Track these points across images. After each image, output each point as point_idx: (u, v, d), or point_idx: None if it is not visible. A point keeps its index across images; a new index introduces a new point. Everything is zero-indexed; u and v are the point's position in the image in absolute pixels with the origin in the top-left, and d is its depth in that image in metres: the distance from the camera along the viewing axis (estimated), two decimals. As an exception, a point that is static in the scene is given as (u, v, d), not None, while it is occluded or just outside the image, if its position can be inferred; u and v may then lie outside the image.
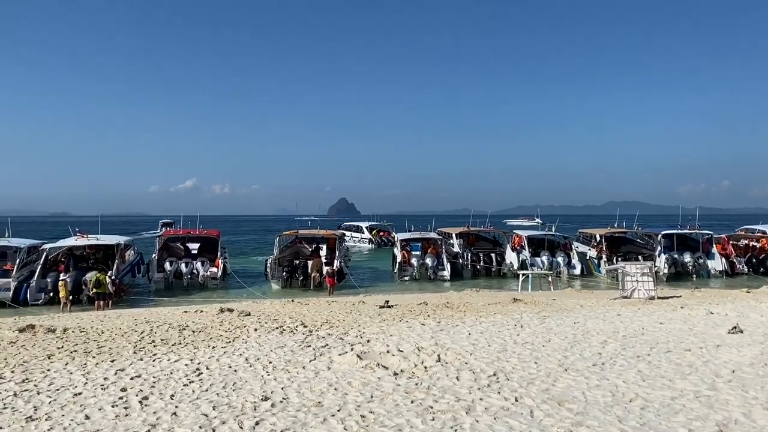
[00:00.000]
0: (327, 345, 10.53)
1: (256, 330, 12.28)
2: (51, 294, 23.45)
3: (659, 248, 31.22)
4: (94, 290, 22.78)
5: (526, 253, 32.03)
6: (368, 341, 10.80)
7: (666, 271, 29.73)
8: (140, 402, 7.26)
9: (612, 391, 7.47)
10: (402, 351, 9.73)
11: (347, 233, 62.54)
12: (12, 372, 8.96)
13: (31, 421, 6.60)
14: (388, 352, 9.66)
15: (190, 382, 8.21)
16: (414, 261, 31.00)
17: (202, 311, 16.16)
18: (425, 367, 8.80)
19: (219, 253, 30.62)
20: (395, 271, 31.27)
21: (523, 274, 25.30)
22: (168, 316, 15.46)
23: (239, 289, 27.36)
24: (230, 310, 15.69)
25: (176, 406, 7.07)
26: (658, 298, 17.86)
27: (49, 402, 7.35)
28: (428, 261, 30.90)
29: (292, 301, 18.74)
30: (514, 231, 38.03)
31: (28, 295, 23.32)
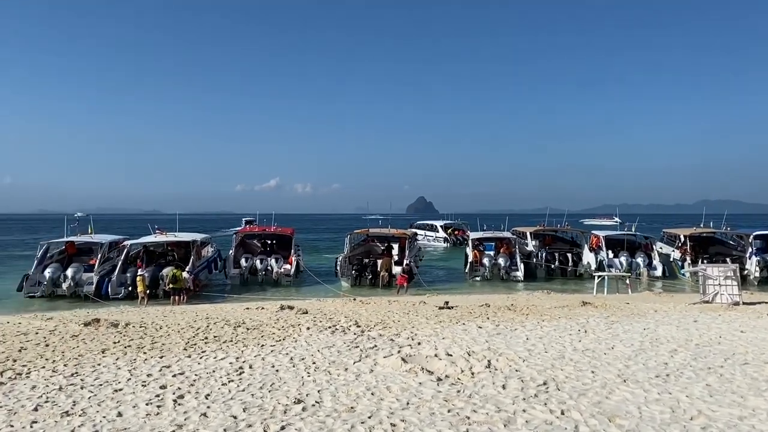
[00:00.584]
0: (375, 346, 10.23)
1: (308, 329, 12.15)
2: (130, 288, 24.34)
3: (751, 250, 29.07)
4: (170, 285, 23.55)
5: (603, 254, 30.63)
6: (419, 343, 10.43)
7: (757, 274, 27.62)
8: (174, 401, 7.20)
9: (672, 407, 6.77)
10: (451, 355, 9.30)
11: (421, 232, 62.22)
12: (65, 365, 9.18)
13: (65, 416, 6.65)
14: (435, 355, 9.25)
15: (229, 381, 8.12)
16: (486, 261, 30.29)
17: (263, 308, 16.25)
18: (472, 373, 8.34)
19: (292, 251, 31.01)
20: (466, 270, 30.64)
21: (599, 276, 24.12)
22: (230, 312, 15.63)
23: (311, 286, 27.66)
24: (290, 308, 15.69)
25: (208, 407, 6.96)
26: (744, 303, 16.50)
27: (89, 397, 7.42)
28: (501, 261, 30.12)
29: (354, 299, 18.60)
30: (593, 231, 36.50)
31: (109, 289, 24.31)
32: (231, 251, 30.93)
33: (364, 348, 10.11)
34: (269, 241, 33.84)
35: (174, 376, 8.45)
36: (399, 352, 9.65)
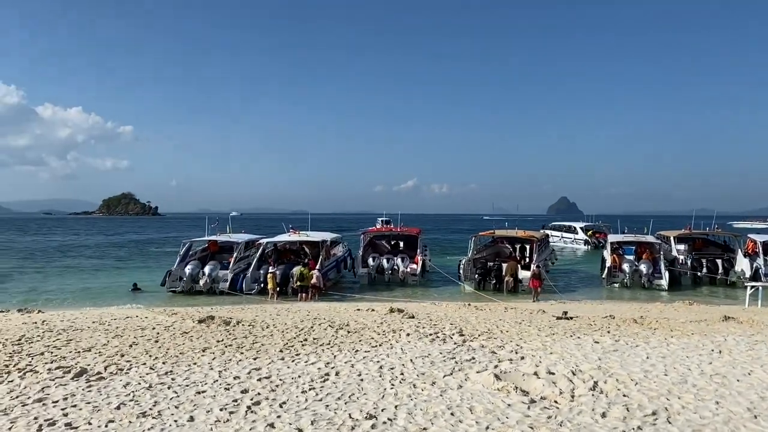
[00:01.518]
0: (473, 359, 9.55)
1: (408, 335, 11.70)
2: (262, 285, 25.37)
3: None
4: (298, 283, 24.29)
5: (760, 261, 27.33)
6: (522, 358, 9.60)
7: None
8: (249, 407, 7.04)
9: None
10: (552, 373, 8.41)
11: (557, 234, 59.61)
12: (163, 363, 9.42)
13: (140, 418, 6.69)
14: (535, 373, 8.41)
15: (310, 389, 7.86)
16: (626, 266, 28.19)
17: (373, 310, 16.05)
18: (572, 396, 7.45)
19: (419, 251, 30.87)
20: (603, 276, 28.71)
21: (752, 286, 21.46)
22: (340, 313, 15.59)
23: (437, 287, 27.40)
24: (399, 311, 15.35)
25: (278, 416, 6.71)
26: None
27: (171, 398, 7.47)
28: (642, 267, 27.90)
29: (468, 305, 17.90)
30: (748, 234, 32.75)
31: (243, 286, 25.47)
32: (360, 251, 31.41)
33: (460, 360, 9.46)
34: (397, 242, 34.04)
35: (259, 380, 8.34)
36: (496, 367, 8.91)
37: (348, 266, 31.33)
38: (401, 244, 33.55)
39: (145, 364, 9.36)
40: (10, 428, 6.34)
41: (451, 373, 8.60)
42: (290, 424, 6.43)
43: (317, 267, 25.51)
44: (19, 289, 27.56)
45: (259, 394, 7.64)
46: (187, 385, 8.08)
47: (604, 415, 6.68)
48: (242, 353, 10.11)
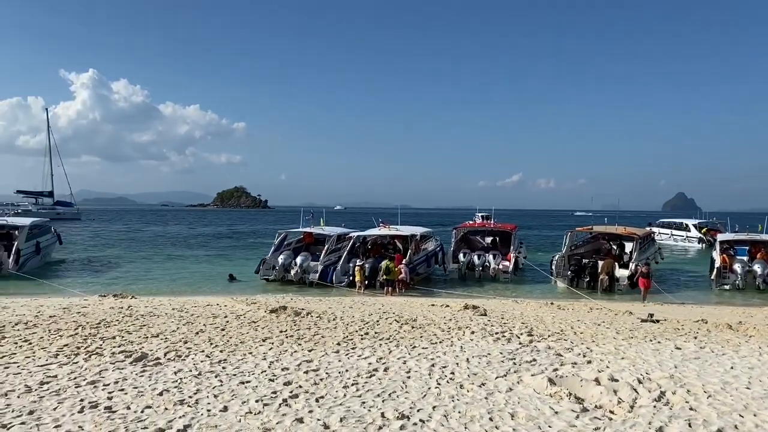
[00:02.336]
0: (533, 360, 9.00)
1: (473, 333, 11.24)
2: (351, 278, 25.61)
3: None
4: (384, 277, 24.30)
5: None
6: (589, 362, 8.93)
7: None
8: (285, 400, 6.93)
9: None
10: (616, 380, 7.73)
11: (666, 231, 56.31)
12: (221, 351, 9.56)
13: (178, 405, 6.76)
14: (596, 379, 7.76)
15: (353, 384, 7.66)
16: (737, 267, 26.05)
17: (447, 306, 15.67)
18: (631, 407, 6.78)
19: (512, 247, 30.12)
20: (712, 277, 26.67)
21: None
22: (414, 308, 15.33)
23: (530, 284, 26.67)
24: (474, 308, 14.86)
25: (310, 411, 6.56)
26: None
27: (214, 387, 7.51)
28: (757, 268, 25.69)
29: (551, 304, 17.07)
30: None
31: (333, 278, 25.82)
32: (451, 246, 31.06)
33: (519, 361, 8.94)
34: (492, 238, 33.39)
35: (306, 372, 8.25)
36: (556, 370, 8.32)
37: (439, 261, 31.01)
38: (496, 240, 32.91)
39: (203, 351, 9.54)
40: (55, 408, 6.58)
41: (505, 375, 8.13)
42: (318, 419, 6.26)
43: (405, 261, 25.41)
44: (125, 275, 29.37)
45: (300, 387, 7.54)
46: (234, 375, 8.12)
47: (660, 430, 6.02)
48: (300, 345, 10.09)
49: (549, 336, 11.08)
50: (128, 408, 6.63)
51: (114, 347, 9.70)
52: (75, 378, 7.82)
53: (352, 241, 28.54)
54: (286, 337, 10.70)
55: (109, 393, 7.17)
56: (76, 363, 8.65)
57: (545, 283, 26.93)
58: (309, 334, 11.06)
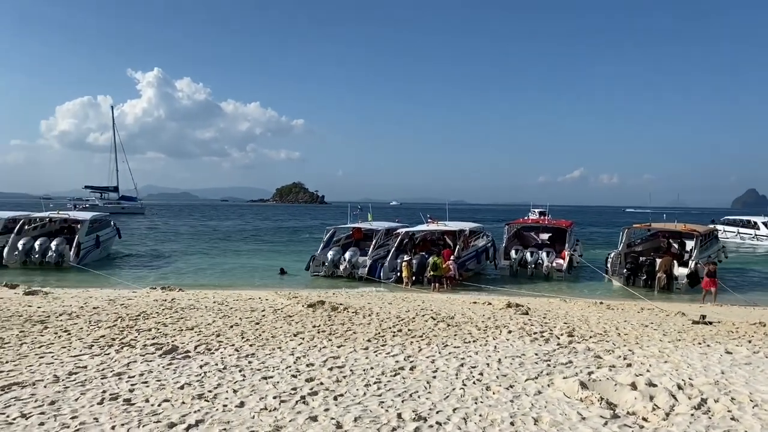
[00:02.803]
0: (569, 362, 8.59)
1: (510, 332, 10.87)
2: (398, 273, 25.50)
3: None
4: (431, 273, 24.12)
5: None
6: (628, 365, 8.46)
7: None
8: (302, 398, 6.79)
9: None
10: (654, 386, 7.27)
11: (732, 229, 53.91)
12: (251, 346, 9.52)
13: (196, 399, 6.71)
14: (632, 383, 7.31)
15: (375, 382, 7.46)
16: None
17: (489, 303, 15.29)
18: (666, 414, 6.33)
19: (566, 244, 29.39)
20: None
21: None
22: (454, 305, 15.04)
23: (583, 283, 25.97)
24: (518, 306, 14.43)
25: (326, 409, 6.39)
26: None
27: (235, 381, 7.45)
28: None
29: (600, 303, 16.44)
30: None
31: (381, 273, 25.76)
32: (503, 242, 30.56)
33: (554, 363, 8.56)
34: (547, 234, 32.71)
35: (330, 369, 8.10)
36: (591, 373, 7.92)
37: (490, 258, 30.52)
38: (549, 237, 32.21)
39: (233, 345, 9.53)
40: (76, 399, 6.64)
41: (536, 377, 7.77)
42: (332, 418, 6.09)
43: (453, 257, 25.10)
44: (179, 268, 30.10)
45: (321, 383, 7.40)
46: (259, 370, 8.05)
47: (695, 442, 5.59)
48: (330, 340, 9.97)
49: (591, 337, 10.61)
50: (146, 401, 6.62)
51: (147, 339, 9.81)
52: (103, 369, 7.91)
53: (400, 236, 28.37)
54: (318, 333, 10.60)
55: (132, 385, 7.20)
56: (108, 354, 8.77)
57: (600, 281, 26.11)
58: (341, 329, 10.94)
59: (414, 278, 24.78)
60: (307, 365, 8.31)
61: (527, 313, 13.33)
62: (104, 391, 6.91)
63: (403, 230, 29.52)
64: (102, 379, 7.47)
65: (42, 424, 5.83)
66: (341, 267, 26.67)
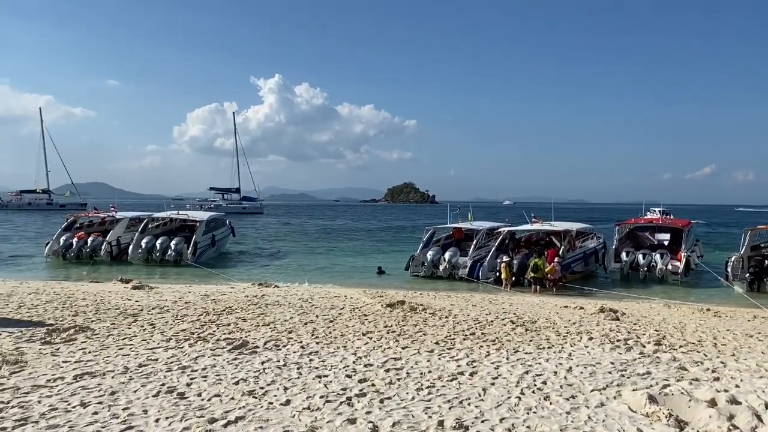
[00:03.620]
0: (647, 373, 7.91)
1: (591, 339, 10.19)
2: (498, 274, 24.89)
3: None
4: (532, 274, 23.34)
5: None
6: (715, 379, 7.66)
7: None
8: (349, 398, 6.70)
9: None
10: (737, 403, 6.50)
11: None
12: (317, 343, 9.58)
13: (246, 395, 6.79)
14: (711, 400, 6.58)
15: (428, 387, 7.22)
16: None
17: (582, 308, 14.48)
18: (744, 437, 5.66)
19: (683, 246, 27.46)
20: None
21: None
22: (542, 309, 14.38)
23: (703, 288, 23.98)
24: (611, 311, 13.56)
25: (368, 412, 6.25)
26: None
27: (289, 379, 7.49)
28: None
29: (706, 310, 15.11)
30: None
31: (480, 274, 25.26)
32: (614, 243, 29.04)
33: (630, 373, 7.92)
34: (665, 235, 30.69)
35: (387, 371, 7.96)
36: (666, 386, 7.23)
37: (599, 260, 29.08)
38: (666, 237, 30.19)
39: (301, 342, 9.62)
40: (136, 390, 6.93)
41: (604, 388, 7.21)
42: (370, 422, 5.94)
43: (557, 258, 24.12)
44: (281, 265, 31.06)
45: (373, 385, 7.27)
46: (316, 368, 8.06)
47: (768, 471, 4.92)
48: (397, 341, 9.82)
49: (681, 346, 9.74)
50: (199, 395, 6.80)
51: (223, 334, 10.13)
52: (171, 362, 8.22)
53: (501, 236, 27.65)
54: (387, 333, 10.48)
55: (191, 379, 7.42)
56: (181, 348, 9.12)
57: (721, 286, 24.04)
58: (412, 330, 10.75)
59: (514, 279, 24.04)
60: (365, 366, 8.21)
61: (618, 319, 12.49)
62: (163, 384, 7.18)
63: (505, 229, 28.74)
64: (167, 372, 7.76)
65: (95, 413, 6.13)
66: (441, 267, 26.32)
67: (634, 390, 6.99)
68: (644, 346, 9.64)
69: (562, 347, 9.55)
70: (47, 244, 30.58)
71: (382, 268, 28.92)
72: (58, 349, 8.88)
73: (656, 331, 11.13)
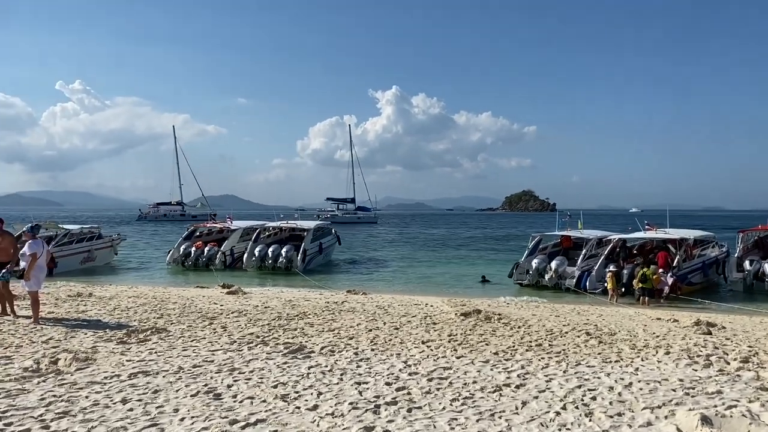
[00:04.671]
0: (717, 392, 7.12)
1: (667, 353, 9.34)
2: (605, 284, 23.72)
3: None
4: (639, 285, 22.02)
5: None
6: (801, 402, 6.77)
7: None
8: (378, 406, 6.56)
9: None
10: (811, 431, 5.70)
11: None
12: (372, 350, 9.50)
13: (278, 399, 6.83)
14: (781, 426, 5.81)
15: (466, 398, 6.92)
16: None
17: (675, 320, 13.36)
18: (806, 470, 4.92)
19: None
20: None
21: None
22: (632, 320, 13.43)
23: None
24: (709, 324, 12.40)
25: (389, 421, 6.07)
26: None
27: (327, 384, 7.46)
28: None
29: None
30: None
31: (587, 284, 24.15)
32: (737, 251, 26.81)
33: (697, 391, 7.17)
34: None
35: (430, 380, 7.73)
36: (734, 407, 6.46)
37: (720, 270, 26.90)
38: None
39: (356, 348, 9.59)
40: (178, 390, 7.18)
41: (659, 406, 6.56)
42: (387, 431, 5.78)
43: (672, 269, 22.55)
44: (388, 273, 31.36)
45: (408, 394, 7.08)
46: (360, 374, 7.98)
47: None
48: (455, 350, 9.53)
49: (772, 365, 8.71)
50: (234, 397, 6.93)
51: (287, 338, 10.31)
52: (224, 364, 8.46)
53: (611, 244, 26.27)
54: (449, 342, 10.20)
55: (235, 381, 7.59)
56: (240, 351, 9.37)
57: None
58: (476, 340, 10.40)
59: (624, 290, 22.66)
60: (411, 374, 8.03)
61: (709, 333, 11.39)
62: (206, 385, 7.39)
63: (615, 237, 27.26)
64: (216, 373, 7.99)
65: (131, 410, 6.41)
66: (546, 276, 25.33)
67: (690, 410, 6.31)
68: (728, 363, 8.71)
69: (632, 361, 8.84)
70: (169, 252, 32.80)
71: (486, 277, 28.32)
72: (129, 348, 9.42)
73: (750, 347, 10.02)
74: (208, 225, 38.55)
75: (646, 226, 29.58)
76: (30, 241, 11.70)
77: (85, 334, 10.51)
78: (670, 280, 21.94)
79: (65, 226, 31.15)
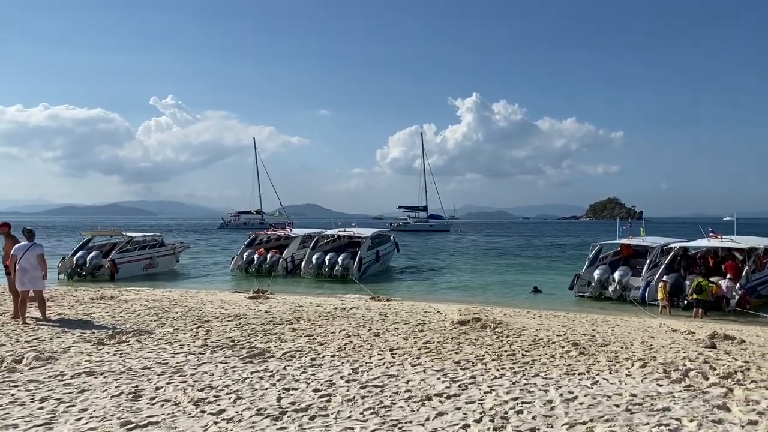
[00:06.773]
0: (663, 410, 6.42)
1: (643, 367, 8.52)
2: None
3: None
4: (694, 296, 20.59)
5: None
6: (752, 423, 6.01)
7: None
8: (281, 413, 6.35)
9: None
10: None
11: None
12: (332, 356, 9.26)
13: (191, 402, 6.75)
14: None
15: (376, 405, 6.59)
16: None
17: (691, 332, 12.30)
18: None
19: None
20: None
21: None
22: (645, 332, 12.50)
23: None
24: (726, 337, 11.35)
25: (281, 429, 5.87)
26: None
27: (253, 390, 7.31)
28: None
29: None
30: None
31: (646, 295, 22.79)
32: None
33: (641, 408, 6.50)
34: None
35: (364, 387, 7.40)
36: (658, 427, 5.82)
37: None
38: None
39: (318, 354, 9.40)
40: (105, 390, 7.24)
41: (582, 422, 5.99)
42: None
43: (741, 278, 21.08)
44: (440, 281, 30.89)
45: (329, 401, 6.82)
46: (297, 380, 7.78)
47: None
48: (418, 359, 9.11)
49: (757, 381, 7.81)
50: (151, 399, 6.88)
51: (258, 343, 10.20)
52: (173, 367, 8.42)
53: (672, 252, 24.72)
54: (419, 350, 9.82)
55: (168, 383, 7.54)
56: (202, 355, 9.29)
57: None
58: (450, 349, 9.93)
59: (686, 302, 21.16)
60: (349, 381, 7.75)
61: (714, 346, 10.38)
62: (136, 386, 7.37)
63: (676, 245, 25.63)
64: (158, 375, 7.97)
65: (41, 408, 6.51)
66: (610, 288, 23.86)
67: (611, 428, 5.73)
68: (706, 379, 7.89)
69: (598, 374, 8.17)
70: (233, 258, 33.60)
71: (539, 287, 27.21)
72: (100, 349, 9.62)
73: (745, 362, 9.04)
74: (268, 233, 39.36)
75: (710, 234, 27.72)
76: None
77: (73, 334, 10.82)
78: (737, 293, 20.37)
79: (128, 234, 32.52)
